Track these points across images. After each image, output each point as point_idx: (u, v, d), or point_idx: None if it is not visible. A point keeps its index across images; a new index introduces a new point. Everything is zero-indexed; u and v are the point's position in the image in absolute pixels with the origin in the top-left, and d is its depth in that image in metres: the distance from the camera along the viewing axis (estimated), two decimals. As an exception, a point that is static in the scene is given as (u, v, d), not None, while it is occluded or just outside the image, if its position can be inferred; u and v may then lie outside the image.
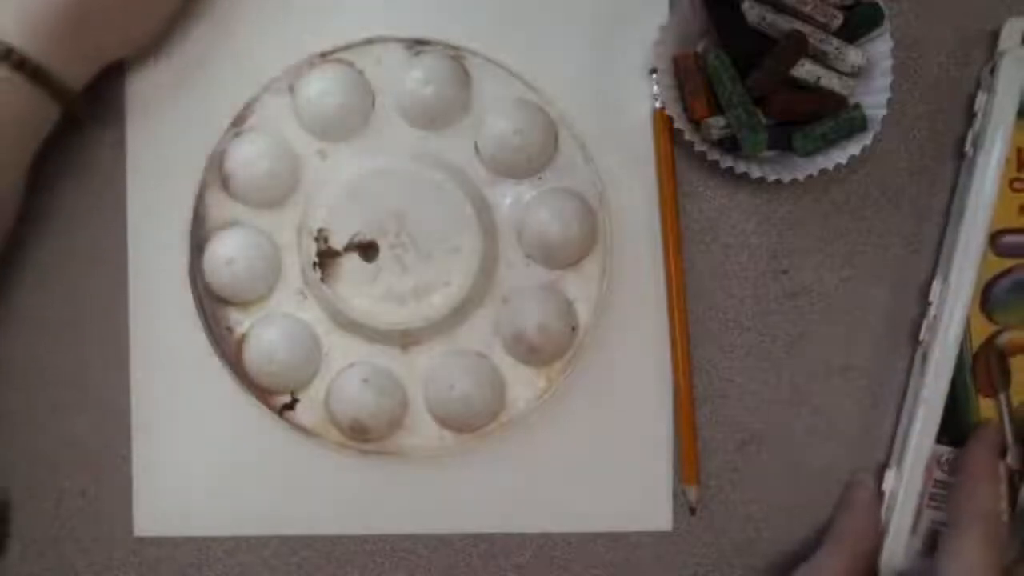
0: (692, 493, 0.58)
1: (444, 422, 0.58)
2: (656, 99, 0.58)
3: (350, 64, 0.58)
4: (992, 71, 0.57)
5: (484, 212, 0.58)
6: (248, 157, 0.58)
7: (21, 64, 0.52)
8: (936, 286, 0.58)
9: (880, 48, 0.57)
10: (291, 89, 0.58)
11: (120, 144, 0.59)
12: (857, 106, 0.57)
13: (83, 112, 0.56)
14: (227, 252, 0.57)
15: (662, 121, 0.58)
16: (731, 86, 0.56)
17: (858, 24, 0.57)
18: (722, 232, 0.60)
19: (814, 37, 0.56)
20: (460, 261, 0.57)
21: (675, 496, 0.59)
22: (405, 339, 0.58)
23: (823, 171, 0.57)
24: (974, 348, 0.57)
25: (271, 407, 0.58)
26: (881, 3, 0.56)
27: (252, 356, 0.58)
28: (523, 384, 0.58)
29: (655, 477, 0.59)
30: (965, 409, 0.57)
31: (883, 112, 0.56)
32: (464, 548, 0.59)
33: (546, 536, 0.59)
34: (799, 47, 0.55)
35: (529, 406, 0.58)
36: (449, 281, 0.57)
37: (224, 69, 0.59)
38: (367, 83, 0.58)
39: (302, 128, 0.58)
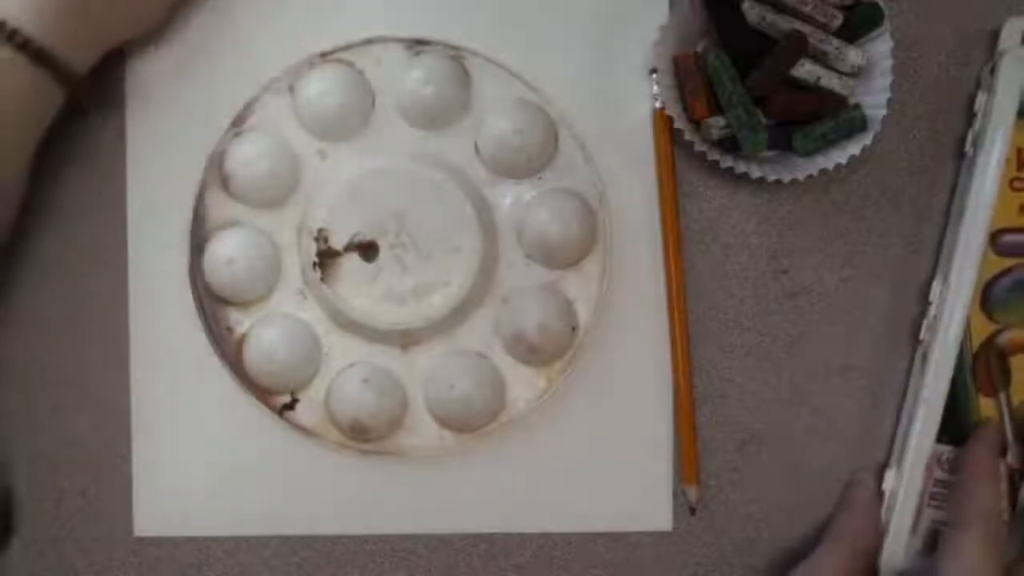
0: (692, 493, 0.58)
1: (444, 422, 0.58)
2: (656, 99, 0.58)
3: (350, 64, 0.58)
4: (992, 71, 0.57)
5: (484, 212, 0.58)
6: (248, 157, 0.58)
7: (24, 45, 0.52)
8: (936, 285, 0.58)
9: (880, 48, 0.57)
10: (291, 89, 0.58)
11: (120, 144, 0.59)
12: (857, 106, 0.57)
13: (87, 98, 0.56)
14: (227, 252, 0.57)
15: (662, 121, 0.58)
16: (731, 86, 0.56)
17: (858, 24, 0.57)
18: (722, 232, 0.60)
19: (814, 37, 0.56)
20: (460, 261, 0.57)
21: (675, 496, 0.59)
22: (405, 339, 0.58)
23: (823, 171, 0.57)
24: (974, 347, 0.57)
25: (271, 407, 0.58)
26: (881, 3, 0.56)
27: (252, 356, 0.58)
28: (523, 384, 0.58)
29: (655, 477, 0.59)
30: (965, 408, 0.57)
31: (883, 112, 0.56)
32: (464, 548, 0.59)
33: (546, 536, 0.59)
34: (799, 47, 0.55)
35: (529, 406, 0.58)
36: (449, 281, 0.57)
37: (224, 69, 0.59)
38: (367, 83, 0.58)
39: (302, 128, 0.58)
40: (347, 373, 0.58)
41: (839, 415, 0.59)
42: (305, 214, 0.57)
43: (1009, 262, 0.57)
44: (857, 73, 0.57)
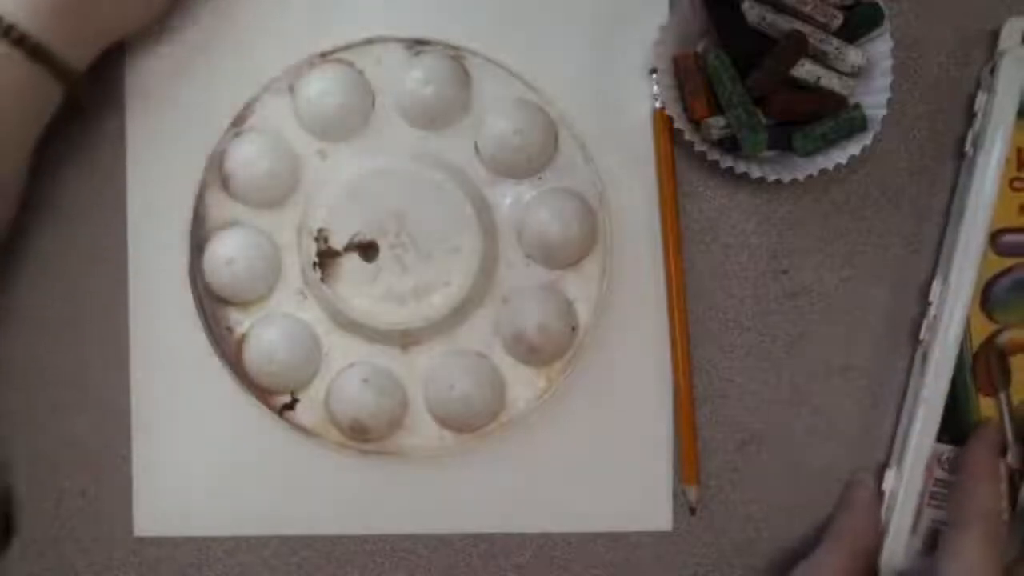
0: (692, 493, 0.58)
1: (444, 422, 0.58)
2: (656, 99, 0.58)
3: (350, 64, 0.58)
4: (992, 71, 0.57)
5: (484, 212, 0.58)
6: (248, 157, 0.58)
7: (21, 40, 0.51)
8: (936, 285, 0.58)
9: (880, 48, 0.57)
10: (291, 89, 0.58)
11: (120, 144, 0.59)
12: (857, 106, 0.57)
13: (86, 96, 0.55)
14: (227, 252, 0.57)
15: (662, 121, 0.58)
16: (731, 86, 0.56)
17: (858, 24, 0.57)
18: (722, 232, 0.60)
19: (814, 37, 0.56)
20: (460, 261, 0.57)
21: (675, 496, 0.59)
22: (405, 339, 0.58)
23: (823, 171, 0.57)
24: (974, 347, 0.57)
25: (271, 407, 0.58)
26: (881, 3, 0.56)
27: (252, 356, 0.58)
28: (523, 384, 0.58)
29: (655, 477, 0.59)
30: (965, 408, 0.57)
31: (883, 112, 0.56)
32: (464, 548, 0.59)
33: (546, 536, 0.59)
34: (799, 47, 0.55)
35: (529, 406, 0.58)
36: (449, 281, 0.57)
37: (224, 69, 0.59)
38: (367, 83, 0.58)
39: (302, 128, 0.58)
40: (347, 373, 0.58)
41: (839, 415, 0.59)
42: (305, 214, 0.57)
43: (1009, 262, 0.57)
44: (857, 73, 0.57)
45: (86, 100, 0.56)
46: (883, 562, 0.57)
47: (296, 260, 0.58)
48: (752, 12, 0.56)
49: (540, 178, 0.58)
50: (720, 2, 0.56)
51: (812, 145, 0.57)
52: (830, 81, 0.57)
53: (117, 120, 0.59)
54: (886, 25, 0.56)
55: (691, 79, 0.57)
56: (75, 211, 0.59)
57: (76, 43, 0.54)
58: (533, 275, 0.58)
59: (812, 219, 0.60)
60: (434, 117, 0.58)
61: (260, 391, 0.58)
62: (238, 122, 0.58)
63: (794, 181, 0.57)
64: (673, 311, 0.59)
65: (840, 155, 0.56)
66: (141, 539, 0.59)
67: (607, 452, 0.59)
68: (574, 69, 0.59)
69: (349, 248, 0.57)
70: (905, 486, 0.57)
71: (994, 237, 0.57)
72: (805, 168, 0.57)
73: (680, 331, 0.58)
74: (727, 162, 0.57)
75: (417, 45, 0.59)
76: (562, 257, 0.58)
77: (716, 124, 0.57)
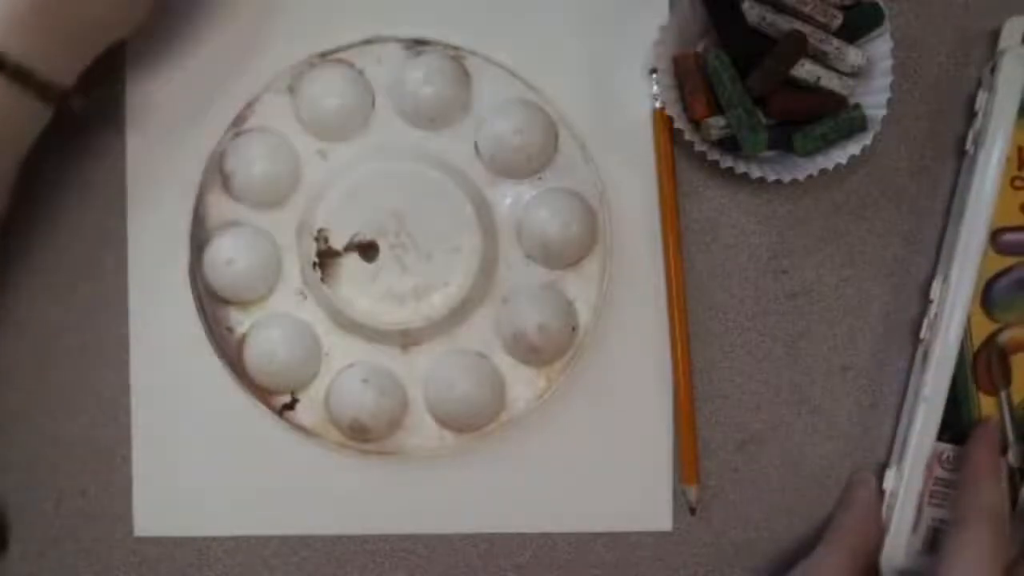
0: (692, 493, 0.58)
1: (444, 422, 0.58)
2: (656, 99, 0.58)
3: (350, 64, 0.58)
4: (993, 70, 0.57)
5: (484, 212, 0.58)
6: (248, 157, 0.58)
7: (0, 64, 0.50)
8: (937, 284, 0.58)
9: (880, 48, 0.57)
10: (291, 89, 0.58)
11: (120, 144, 0.59)
12: (857, 106, 0.57)
13: (79, 106, 0.54)
14: (227, 252, 0.57)
15: (662, 121, 0.58)
16: (731, 86, 0.56)
17: (858, 24, 0.57)
18: (722, 232, 0.60)
19: (814, 37, 0.56)
20: (460, 261, 0.57)
21: (675, 496, 0.59)
22: (405, 339, 0.58)
23: (823, 171, 0.57)
24: (975, 346, 0.57)
25: (271, 407, 0.58)
26: (881, 3, 0.56)
27: (252, 356, 0.58)
28: (523, 384, 0.58)
29: (655, 477, 0.59)
30: (966, 407, 0.57)
31: (883, 112, 0.56)
32: (464, 548, 0.59)
33: (546, 536, 0.59)
34: (799, 47, 0.55)
35: (529, 406, 0.58)
36: (449, 281, 0.57)
37: (224, 69, 0.59)
38: (367, 83, 0.58)
39: (302, 128, 0.58)
40: (347, 373, 0.58)
41: (839, 415, 0.59)
42: (305, 214, 0.57)
43: (1010, 261, 0.57)
44: (857, 73, 0.57)
45: (79, 109, 0.54)
46: (884, 561, 0.57)
47: (296, 260, 0.58)
48: (752, 12, 0.56)
49: (540, 178, 0.58)
50: (720, 2, 0.56)
51: (812, 145, 0.57)
52: (830, 81, 0.57)
53: (117, 120, 0.59)
54: (886, 25, 0.56)
55: (691, 79, 0.57)
56: (75, 212, 0.59)
57: (59, 59, 0.52)
58: (533, 275, 0.58)
59: (812, 219, 0.60)
60: (434, 117, 0.58)
61: (260, 391, 0.58)
62: (238, 122, 0.58)
63: (794, 181, 0.57)
64: (673, 311, 0.59)
65: (840, 155, 0.56)
66: (141, 539, 0.59)
67: (607, 452, 0.59)
68: (574, 69, 0.59)
69: (349, 248, 0.57)
70: (906, 485, 0.57)
71: (995, 236, 0.57)
72: (805, 168, 0.57)
73: (680, 331, 0.58)
74: (727, 162, 0.57)
75: (417, 45, 0.59)
76: (562, 257, 0.58)
77: (716, 124, 0.57)
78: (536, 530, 0.59)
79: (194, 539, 0.59)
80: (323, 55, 0.58)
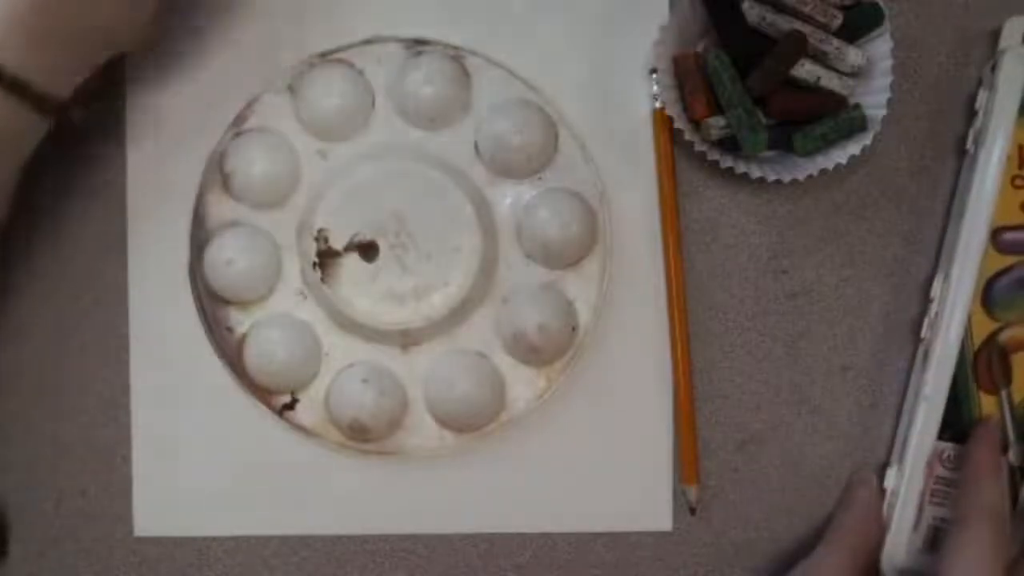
0: (692, 493, 0.58)
1: (444, 422, 0.58)
2: (656, 99, 0.58)
3: (350, 64, 0.58)
4: (993, 68, 0.57)
5: (484, 212, 0.58)
6: (248, 157, 0.58)
7: None
8: (937, 283, 0.58)
9: (880, 48, 0.57)
10: (291, 89, 0.58)
11: (120, 144, 0.59)
12: (857, 106, 0.57)
13: (78, 115, 0.53)
14: (227, 252, 0.57)
15: (662, 121, 0.58)
16: (731, 86, 0.56)
17: (858, 24, 0.57)
18: (722, 232, 0.60)
19: (814, 37, 0.56)
20: (460, 261, 0.57)
21: (675, 496, 0.59)
22: (405, 339, 0.58)
23: (823, 171, 0.57)
24: (975, 345, 0.57)
25: (271, 407, 0.58)
26: (881, 3, 0.56)
27: (252, 356, 0.57)
28: (523, 384, 0.58)
29: (655, 477, 0.59)
30: (967, 406, 0.57)
31: (883, 112, 0.56)
32: (464, 548, 0.59)
33: (546, 536, 0.59)
34: (799, 47, 0.55)
35: (529, 406, 0.58)
36: (449, 281, 0.57)
37: (224, 69, 0.59)
38: (367, 83, 0.58)
39: (302, 128, 0.58)
40: (347, 373, 0.58)
41: (839, 415, 0.59)
42: (305, 214, 0.57)
43: (1010, 260, 0.57)
44: (857, 73, 0.57)
45: (79, 118, 0.53)
46: (884, 560, 0.56)
47: (296, 260, 0.58)
48: (752, 12, 0.56)
49: (540, 178, 0.58)
50: (720, 2, 0.56)
51: (812, 145, 0.57)
52: (830, 81, 0.57)
53: (117, 120, 0.59)
54: (886, 25, 0.56)
55: (691, 79, 0.57)
56: (75, 212, 0.59)
57: (56, 72, 0.51)
58: (533, 275, 0.58)
59: (812, 219, 0.60)
60: (434, 117, 0.58)
61: (260, 391, 0.58)
62: (238, 122, 0.58)
63: (794, 181, 0.57)
64: (673, 311, 0.59)
65: (840, 155, 0.56)
66: (141, 539, 0.59)
67: (607, 452, 0.59)
68: (574, 69, 0.59)
69: (349, 248, 0.57)
70: (906, 484, 0.57)
71: (995, 235, 0.57)
72: (805, 168, 0.57)
73: (680, 331, 0.58)
74: (727, 162, 0.57)
75: (417, 45, 0.59)
76: (562, 257, 0.58)
77: (716, 124, 0.57)
78: (536, 530, 0.59)
79: (194, 539, 0.59)
80: (323, 55, 0.58)
